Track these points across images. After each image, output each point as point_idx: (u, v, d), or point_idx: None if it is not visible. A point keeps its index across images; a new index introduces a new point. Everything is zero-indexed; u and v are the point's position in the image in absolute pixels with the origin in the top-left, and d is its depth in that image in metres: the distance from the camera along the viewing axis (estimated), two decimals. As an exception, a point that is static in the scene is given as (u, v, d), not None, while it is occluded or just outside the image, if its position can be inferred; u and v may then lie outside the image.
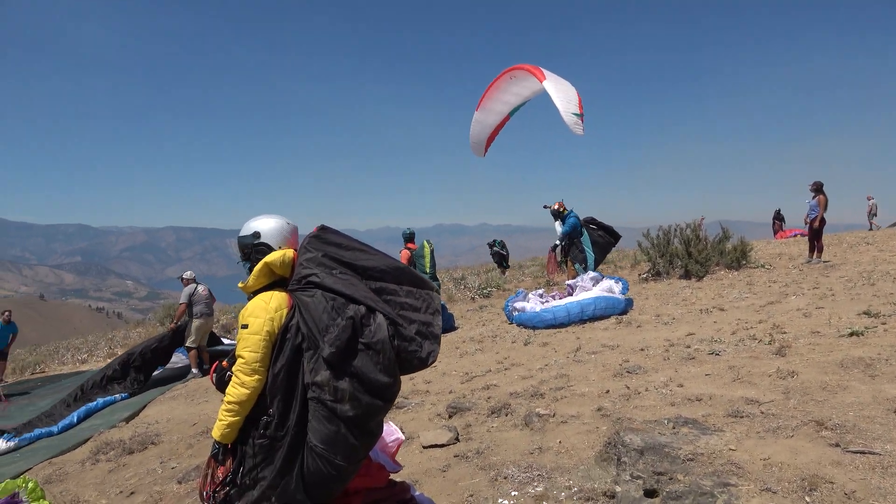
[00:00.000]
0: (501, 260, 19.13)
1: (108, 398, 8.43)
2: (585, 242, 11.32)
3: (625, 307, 8.87)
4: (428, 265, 9.90)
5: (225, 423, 2.48)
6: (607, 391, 4.93)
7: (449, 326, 9.94)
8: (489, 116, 10.56)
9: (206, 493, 2.64)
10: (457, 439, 4.43)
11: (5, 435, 7.11)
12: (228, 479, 2.55)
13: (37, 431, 7.36)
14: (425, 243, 10.14)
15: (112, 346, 15.62)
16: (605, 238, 11.45)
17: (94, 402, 8.23)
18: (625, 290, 9.38)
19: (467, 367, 6.99)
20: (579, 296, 8.94)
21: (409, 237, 10.64)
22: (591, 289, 9.15)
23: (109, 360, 13.36)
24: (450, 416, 5.05)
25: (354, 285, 2.50)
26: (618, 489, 3.07)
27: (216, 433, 2.52)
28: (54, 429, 7.45)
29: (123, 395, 8.63)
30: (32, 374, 14.33)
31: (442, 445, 4.36)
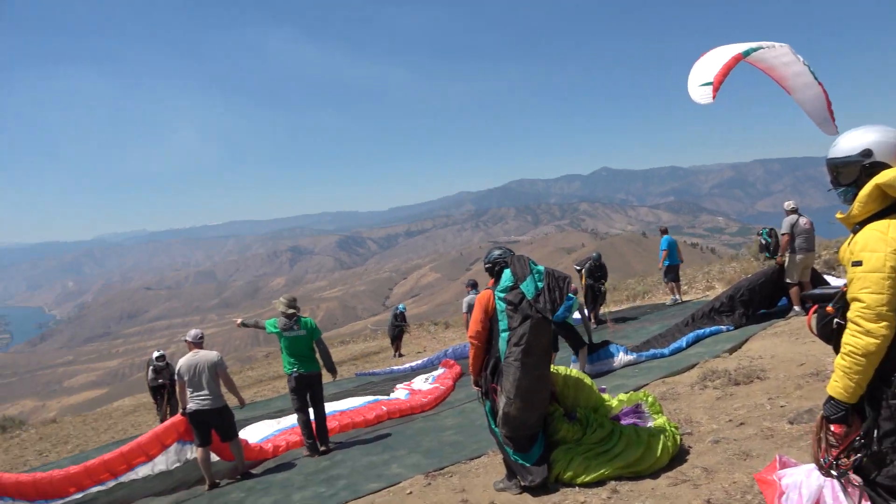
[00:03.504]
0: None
1: (714, 328, 8.84)
2: None
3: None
4: None
5: (846, 378, 2.13)
6: None
7: None
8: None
9: (824, 459, 2.30)
10: None
11: (623, 348, 8.26)
12: (858, 443, 2.17)
13: (651, 351, 8.34)
14: None
15: (709, 280, 16.37)
16: None
17: (702, 330, 8.76)
18: None
19: None
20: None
21: None
22: None
23: (710, 293, 13.99)
24: None
25: None
26: None
27: (832, 389, 2.20)
28: (665, 350, 8.32)
29: (729, 326, 8.91)
30: (641, 301, 16.36)
31: None
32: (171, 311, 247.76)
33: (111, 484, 6.94)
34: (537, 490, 4.36)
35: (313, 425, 7.15)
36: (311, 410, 7.20)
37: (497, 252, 4.80)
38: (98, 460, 6.84)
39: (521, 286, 4.43)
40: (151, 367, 12.60)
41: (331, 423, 7.65)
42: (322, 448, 7.07)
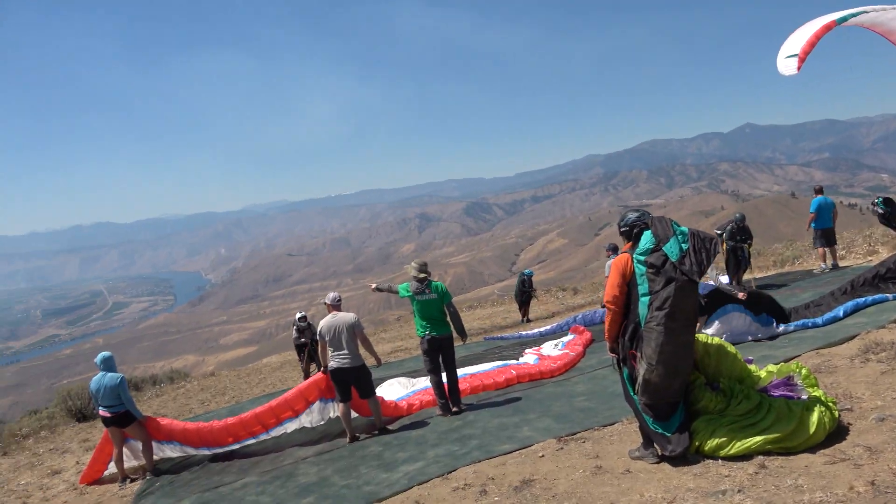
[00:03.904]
0: None
1: (878, 296, 8.00)
2: None
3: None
4: None
5: None
6: None
7: None
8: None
9: None
10: None
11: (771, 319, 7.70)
12: None
13: (802, 321, 7.70)
14: None
15: (871, 244, 14.80)
16: None
17: (863, 299, 7.96)
18: None
19: None
20: None
21: None
22: None
23: (872, 259, 12.71)
24: None
25: None
26: None
27: None
28: (819, 320, 7.66)
29: (894, 294, 8.01)
30: (790, 267, 15.15)
31: None
32: (310, 276, 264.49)
33: (262, 437, 7.61)
34: (676, 460, 4.22)
35: (445, 386, 7.36)
36: (443, 373, 7.42)
37: (634, 214, 4.60)
38: (250, 414, 7.52)
39: (663, 248, 4.24)
40: (295, 327, 13.53)
41: (462, 385, 7.84)
42: (454, 409, 7.28)
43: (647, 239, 4.33)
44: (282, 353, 31.40)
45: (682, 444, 4.23)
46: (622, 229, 4.60)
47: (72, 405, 13.52)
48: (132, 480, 7.39)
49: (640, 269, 4.28)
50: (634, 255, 4.35)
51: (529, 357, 9.77)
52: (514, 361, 9.59)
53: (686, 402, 4.45)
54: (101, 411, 7.27)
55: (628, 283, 4.36)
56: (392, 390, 8.90)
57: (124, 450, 7.50)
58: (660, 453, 4.32)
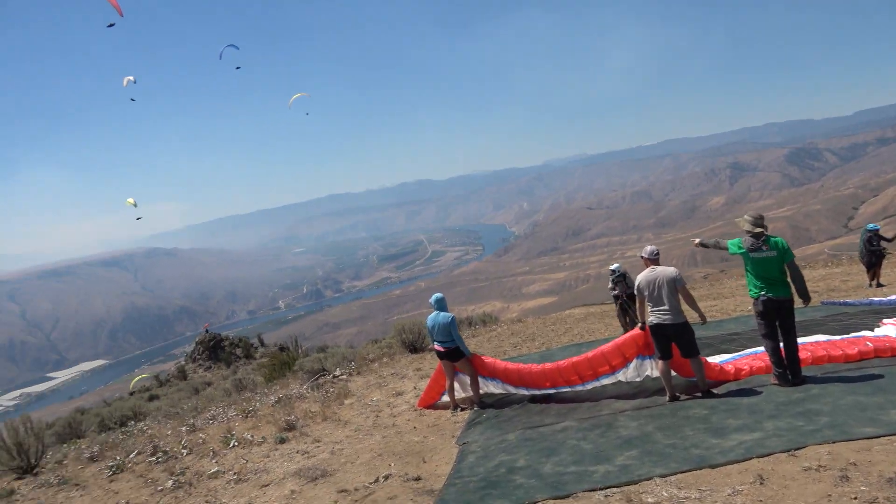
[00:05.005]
0: None
1: None
2: None
3: None
4: None
5: None
6: None
7: None
8: None
9: None
10: None
11: None
12: None
13: None
14: None
15: None
16: None
17: None
18: None
19: None
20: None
21: None
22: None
23: None
24: None
25: None
26: None
27: None
28: None
29: None
30: None
31: None
32: (609, 230, 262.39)
33: (578, 388, 7.76)
34: None
35: (782, 353, 6.58)
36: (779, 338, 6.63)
37: None
38: (568, 362, 7.70)
39: None
40: (612, 279, 13.44)
41: (802, 354, 6.92)
42: (794, 379, 6.47)
43: None
44: (586, 305, 31.85)
45: None
46: None
47: (405, 338, 15.62)
48: (462, 409, 8.24)
49: None
50: None
51: (890, 329, 8.18)
52: (868, 332, 8.15)
53: None
54: (436, 346, 8.19)
55: None
56: (713, 351, 8.32)
57: (455, 382, 8.36)
58: None
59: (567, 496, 4.67)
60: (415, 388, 10.26)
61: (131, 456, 8.44)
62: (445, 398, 8.52)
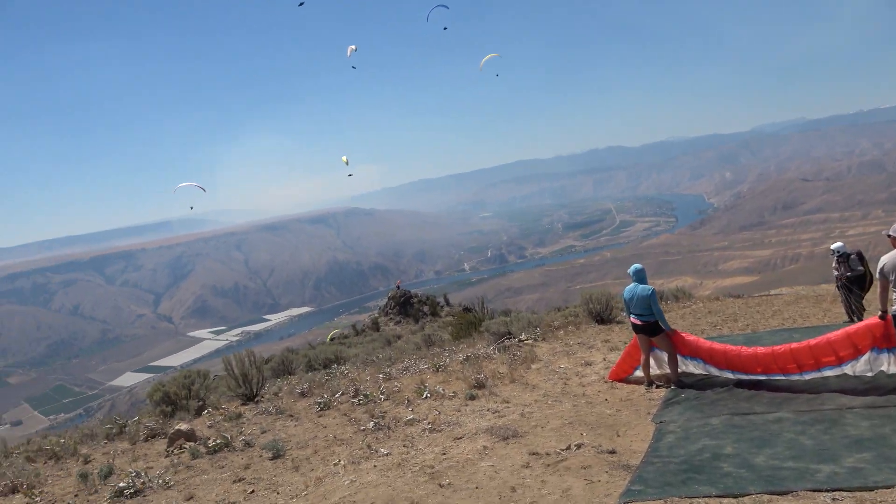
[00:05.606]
0: None
1: None
2: None
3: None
4: None
5: None
6: None
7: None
8: None
9: None
10: None
11: None
12: None
13: None
14: None
15: None
16: None
17: None
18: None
19: None
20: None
21: None
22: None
23: None
24: None
25: None
26: None
27: None
28: None
29: None
30: None
31: None
32: (828, 205, 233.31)
33: (794, 377, 6.97)
34: None
35: None
36: None
37: None
38: (784, 348, 6.94)
39: None
40: (836, 259, 11.93)
41: None
42: None
43: None
44: (792, 285, 28.80)
45: None
46: None
47: (592, 307, 15.26)
48: (657, 386, 7.88)
49: None
50: None
51: None
52: None
53: None
54: (633, 318, 7.86)
55: None
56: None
57: (650, 357, 7.99)
58: None
59: (785, 493, 4.26)
60: (604, 359, 10.01)
61: (336, 395, 9.28)
62: (639, 373, 8.20)
